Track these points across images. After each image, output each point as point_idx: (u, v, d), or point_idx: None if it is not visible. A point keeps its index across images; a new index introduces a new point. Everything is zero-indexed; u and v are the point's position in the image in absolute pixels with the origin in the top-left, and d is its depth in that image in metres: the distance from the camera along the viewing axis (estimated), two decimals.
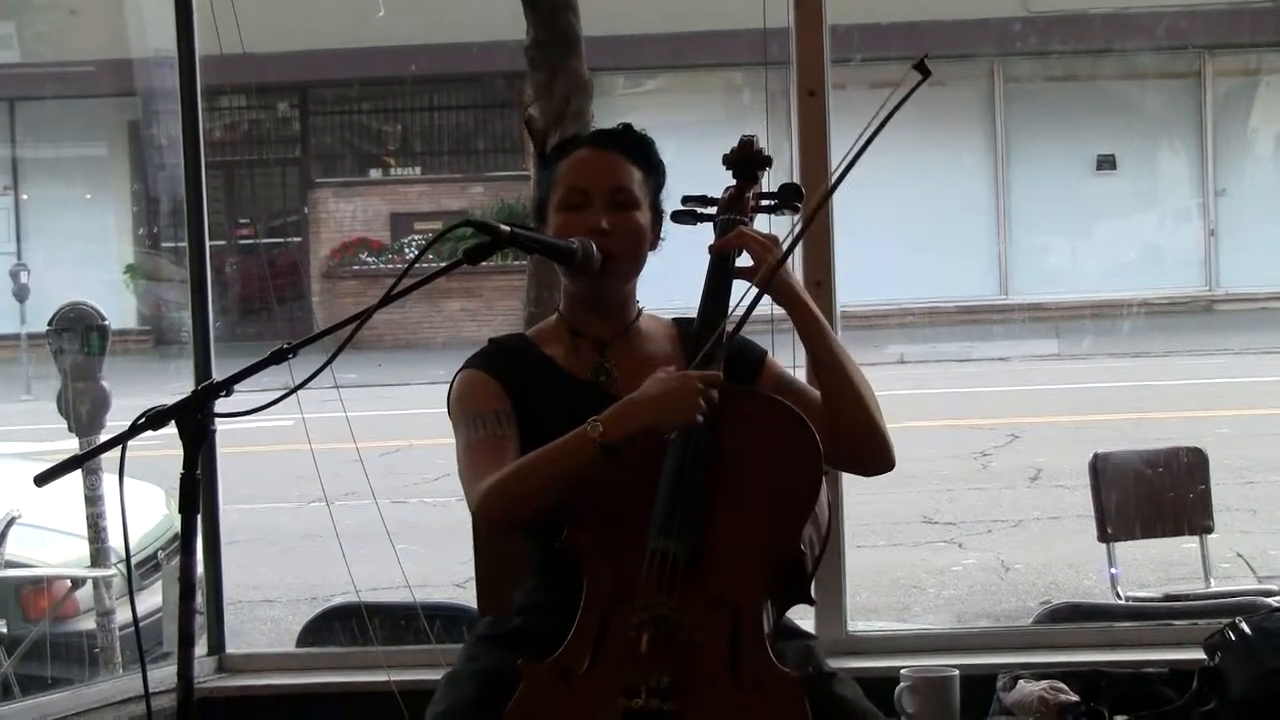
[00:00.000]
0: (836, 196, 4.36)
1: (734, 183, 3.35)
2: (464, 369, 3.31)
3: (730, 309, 3.18)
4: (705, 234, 3.31)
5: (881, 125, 2.98)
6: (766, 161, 3.34)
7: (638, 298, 3.37)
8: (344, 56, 20.22)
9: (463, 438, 3.22)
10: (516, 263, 15.18)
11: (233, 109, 21.68)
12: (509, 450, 3.14)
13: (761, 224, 3.34)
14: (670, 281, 3.77)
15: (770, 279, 3.14)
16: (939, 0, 18.71)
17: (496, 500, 3.06)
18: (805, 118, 4.41)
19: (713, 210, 3.34)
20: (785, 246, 3.19)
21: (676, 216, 3.36)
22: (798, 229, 3.22)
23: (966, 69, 20.10)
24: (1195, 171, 20.87)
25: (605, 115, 6.73)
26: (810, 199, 3.42)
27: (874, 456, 3.25)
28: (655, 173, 3.35)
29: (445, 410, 3.31)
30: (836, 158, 4.34)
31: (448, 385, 3.32)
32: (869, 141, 3.00)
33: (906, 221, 18.36)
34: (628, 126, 3.39)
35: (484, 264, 3.07)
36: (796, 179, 4.14)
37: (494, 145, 22.07)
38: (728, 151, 3.36)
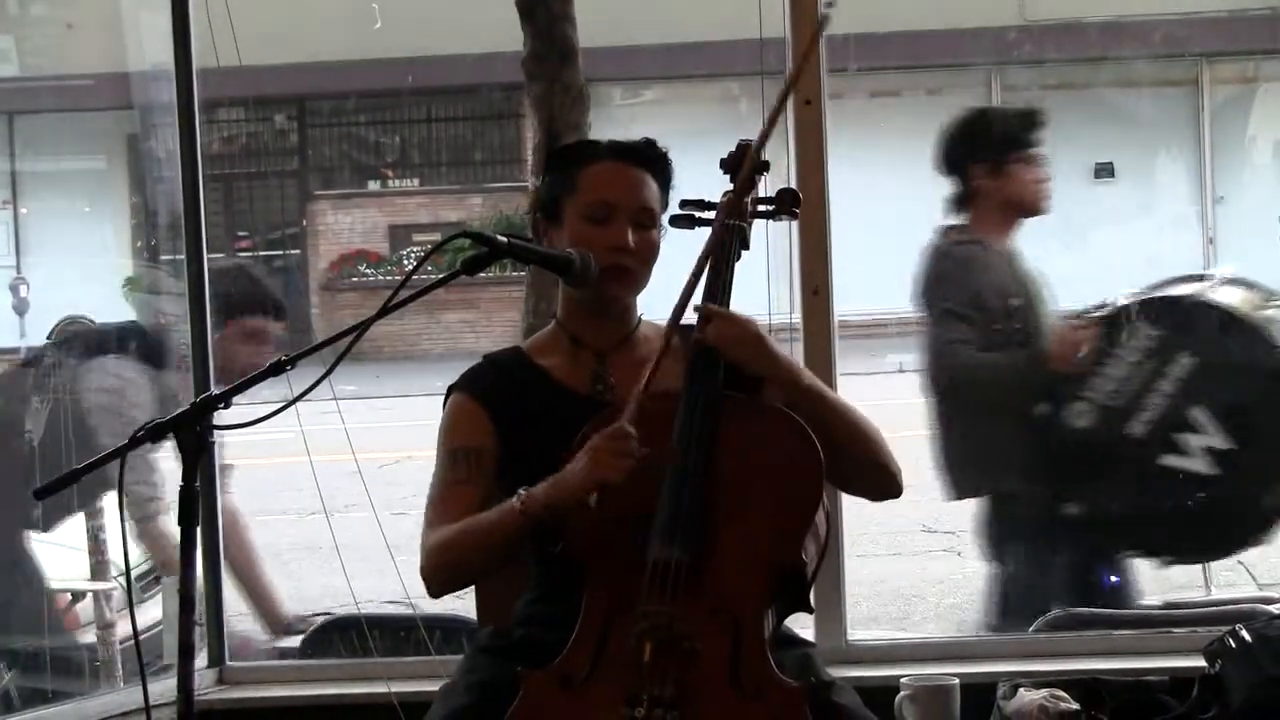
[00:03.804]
0: (834, 206, 4.39)
1: (732, 187, 3.34)
2: (455, 391, 3.32)
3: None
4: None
5: None
6: (764, 166, 3.34)
7: (639, 306, 3.39)
8: (341, 69, 20.21)
9: (435, 472, 3.29)
10: (515, 273, 15.17)
11: (231, 122, 21.68)
12: (471, 499, 3.19)
13: (764, 228, 3.36)
14: (672, 283, 3.78)
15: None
16: (935, 9, 18.70)
17: (433, 566, 3.17)
18: (802, 126, 4.42)
19: (711, 215, 3.33)
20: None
21: (675, 221, 3.36)
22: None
23: (964, 78, 20.10)
24: (1193, 179, 20.87)
25: (603, 126, 6.73)
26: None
27: (883, 488, 3.30)
28: (668, 189, 3.38)
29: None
30: (833, 167, 4.37)
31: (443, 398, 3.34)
32: None
33: (905, 230, 18.32)
34: (650, 142, 3.39)
35: (482, 275, 3.09)
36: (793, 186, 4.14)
37: (492, 157, 22.08)
38: (724, 156, 3.35)
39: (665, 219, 3.37)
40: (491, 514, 3.09)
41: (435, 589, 3.22)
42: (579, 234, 3.26)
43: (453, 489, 3.23)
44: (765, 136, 3.30)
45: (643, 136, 3.40)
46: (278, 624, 5.63)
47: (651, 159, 3.36)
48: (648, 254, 3.30)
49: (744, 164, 3.31)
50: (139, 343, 5.59)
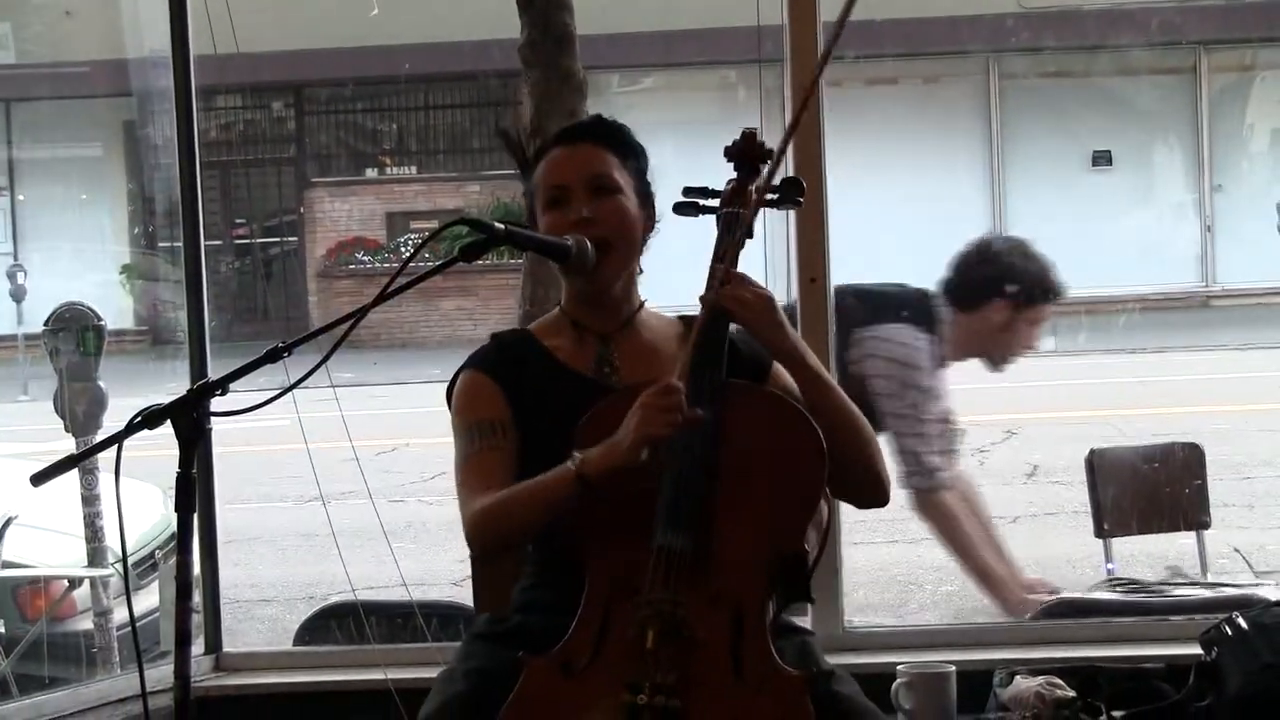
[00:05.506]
0: (831, 194, 4.39)
1: (735, 176, 3.32)
2: (464, 369, 3.32)
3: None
4: (708, 226, 3.30)
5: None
6: (768, 154, 3.33)
7: (641, 293, 3.37)
8: (338, 56, 20.22)
9: (460, 448, 3.24)
10: (512, 261, 15.19)
11: (228, 109, 21.69)
12: (502, 464, 3.17)
13: (763, 217, 3.35)
14: (673, 275, 3.78)
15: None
16: None
17: (484, 530, 3.12)
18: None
19: (714, 203, 3.31)
20: (777, 151, 3.25)
21: (679, 208, 3.34)
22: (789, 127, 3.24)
23: (961, 65, 20.09)
24: (1191, 167, 20.88)
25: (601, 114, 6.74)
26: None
27: (869, 494, 3.27)
28: (634, 156, 3.34)
29: (445, 407, 3.32)
30: (830, 155, 4.37)
31: (447, 384, 3.33)
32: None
33: (901, 218, 18.37)
34: (597, 117, 3.39)
35: (479, 262, 3.07)
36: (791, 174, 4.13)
37: (489, 144, 22.06)
38: (729, 144, 3.33)
39: (671, 205, 3.35)
40: (544, 477, 3.06)
41: (480, 550, 3.18)
42: (546, 226, 3.25)
43: (483, 455, 3.19)
44: (789, 134, 3.29)
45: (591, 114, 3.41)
46: (1012, 603, 5.45)
47: (600, 133, 3.35)
48: (615, 220, 3.26)
49: (750, 153, 3.30)
50: (915, 308, 5.41)
